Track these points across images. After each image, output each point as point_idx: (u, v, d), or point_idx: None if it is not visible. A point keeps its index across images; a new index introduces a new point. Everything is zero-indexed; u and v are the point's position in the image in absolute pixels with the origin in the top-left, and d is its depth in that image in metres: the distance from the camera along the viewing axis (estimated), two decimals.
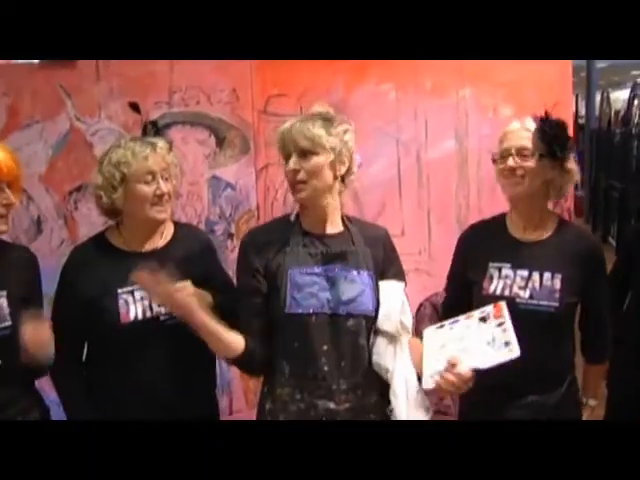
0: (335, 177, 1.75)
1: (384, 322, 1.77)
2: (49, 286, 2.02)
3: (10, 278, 1.89)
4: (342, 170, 1.76)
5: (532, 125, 1.90)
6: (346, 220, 1.85)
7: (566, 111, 2.63)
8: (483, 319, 1.70)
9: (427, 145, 2.77)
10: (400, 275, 1.86)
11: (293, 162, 1.72)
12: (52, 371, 1.96)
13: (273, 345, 1.77)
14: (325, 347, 1.73)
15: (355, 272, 1.77)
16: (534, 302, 1.88)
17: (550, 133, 1.86)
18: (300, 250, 1.77)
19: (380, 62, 2.65)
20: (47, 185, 2.73)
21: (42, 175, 2.73)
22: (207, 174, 2.71)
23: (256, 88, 2.69)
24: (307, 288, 1.73)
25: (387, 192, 2.76)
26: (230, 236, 2.73)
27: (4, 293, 1.85)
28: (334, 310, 1.74)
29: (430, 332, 1.76)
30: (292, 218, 1.84)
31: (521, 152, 1.88)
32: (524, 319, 1.74)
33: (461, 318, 1.74)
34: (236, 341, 1.75)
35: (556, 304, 1.87)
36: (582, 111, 10.62)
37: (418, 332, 1.83)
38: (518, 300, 1.88)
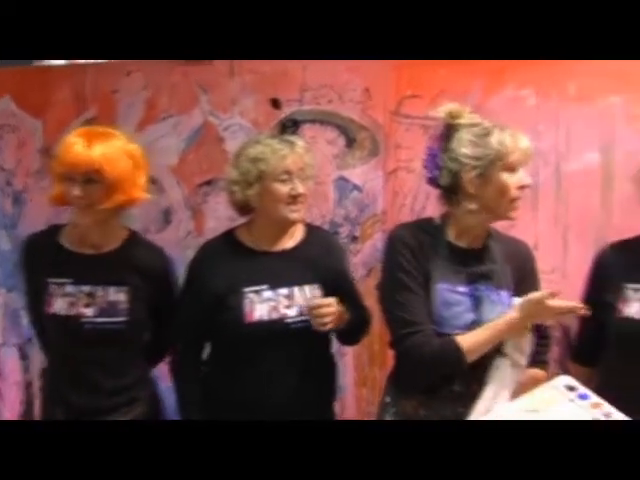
0: None
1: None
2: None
3: (137, 276, 1.91)
4: None
5: None
6: (488, 234, 1.76)
7: None
8: None
9: (568, 156, 2.58)
10: None
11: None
12: (172, 364, 1.99)
13: None
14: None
15: (496, 292, 1.70)
16: None
17: None
18: (447, 264, 1.68)
19: (520, 65, 2.49)
20: (178, 177, 2.79)
21: (174, 167, 2.78)
22: (334, 174, 2.65)
23: (390, 88, 2.60)
24: (455, 307, 1.66)
25: (521, 204, 2.58)
26: (354, 239, 2.65)
27: (125, 289, 1.88)
28: None
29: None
30: (437, 222, 1.75)
31: None
32: None
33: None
34: None
35: None
36: None
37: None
38: None
